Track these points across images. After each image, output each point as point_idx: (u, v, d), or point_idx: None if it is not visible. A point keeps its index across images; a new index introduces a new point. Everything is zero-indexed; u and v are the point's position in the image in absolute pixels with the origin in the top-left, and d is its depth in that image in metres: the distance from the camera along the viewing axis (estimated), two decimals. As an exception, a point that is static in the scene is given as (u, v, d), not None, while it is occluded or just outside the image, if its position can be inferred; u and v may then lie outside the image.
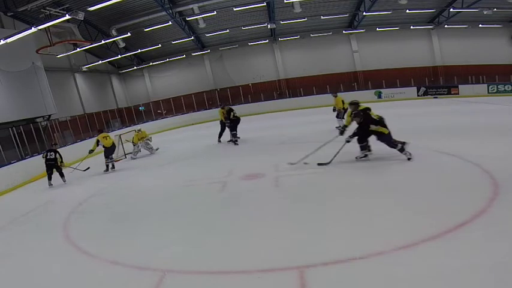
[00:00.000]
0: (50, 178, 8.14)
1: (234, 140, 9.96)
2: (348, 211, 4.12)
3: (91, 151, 9.13)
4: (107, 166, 8.94)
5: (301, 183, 5.50)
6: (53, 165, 8.15)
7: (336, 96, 9.97)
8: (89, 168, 9.04)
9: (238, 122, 10.15)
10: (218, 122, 10.85)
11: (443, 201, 4.00)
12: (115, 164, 9.20)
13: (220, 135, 10.70)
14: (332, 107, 10.19)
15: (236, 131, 10.06)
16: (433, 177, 4.95)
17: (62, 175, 8.25)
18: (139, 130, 11.02)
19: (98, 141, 8.99)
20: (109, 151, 8.93)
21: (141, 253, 3.69)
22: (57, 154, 8.25)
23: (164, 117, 20.39)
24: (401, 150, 5.76)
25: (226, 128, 10.25)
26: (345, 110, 8.88)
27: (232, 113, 9.92)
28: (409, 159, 5.68)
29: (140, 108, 21.82)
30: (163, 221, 4.74)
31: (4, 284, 3.39)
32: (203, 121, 19.47)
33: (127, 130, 13.14)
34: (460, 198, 4.00)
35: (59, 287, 3.25)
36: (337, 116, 9.73)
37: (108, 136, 9.13)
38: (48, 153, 8.21)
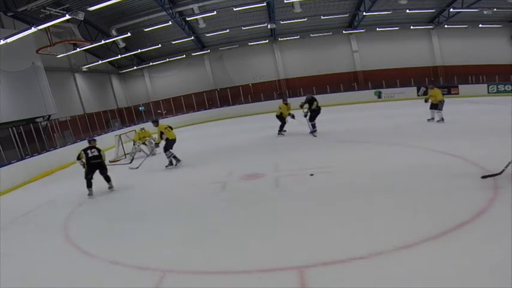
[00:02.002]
0: (90, 185, 6.49)
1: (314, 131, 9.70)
2: (348, 211, 4.13)
3: (156, 145, 8.36)
4: (171, 161, 8.04)
5: (301, 183, 5.50)
6: (98, 165, 6.54)
7: (432, 89, 9.70)
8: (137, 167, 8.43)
9: (319, 113, 9.80)
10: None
11: (443, 201, 4.00)
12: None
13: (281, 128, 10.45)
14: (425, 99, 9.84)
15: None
16: (433, 177, 4.95)
17: (108, 179, 6.72)
18: (142, 129, 10.72)
19: (161, 133, 7.85)
20: (171, 144, 7.95)
21: (141, 253, 3.69)
22: (100, 152, 6.59)
23: (164, 117, 20.36)
24: None
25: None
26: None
27: (315, 103, 9.57)
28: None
29: (140, 108, 21.82)
30: (164, 221, 4.75)
31: (4, 284, 3.39)
32: (203, 121, 19.46)
33: (127, 130, 13.14)
34: (460, 198, 4.00)
35: (59, 287, 3.24)
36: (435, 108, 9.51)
37: (169, 127, 8.04)
38: (90, 151, 6.52)
